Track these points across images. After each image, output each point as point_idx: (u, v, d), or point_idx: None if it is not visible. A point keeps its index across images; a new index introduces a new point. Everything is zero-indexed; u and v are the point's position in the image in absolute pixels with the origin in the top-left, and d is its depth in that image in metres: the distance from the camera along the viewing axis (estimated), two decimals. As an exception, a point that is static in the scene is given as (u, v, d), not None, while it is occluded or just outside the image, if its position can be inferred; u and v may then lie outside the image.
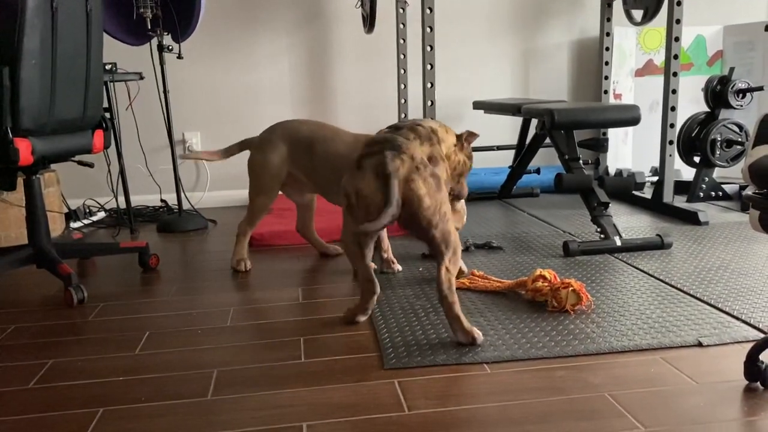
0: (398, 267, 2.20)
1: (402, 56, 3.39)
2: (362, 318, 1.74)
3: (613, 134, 3.64)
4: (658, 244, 2.33)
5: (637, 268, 2.13)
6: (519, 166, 3.29)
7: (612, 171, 3.61)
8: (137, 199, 3.44)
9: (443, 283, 1.54)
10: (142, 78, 3.07)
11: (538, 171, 3.43)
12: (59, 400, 1.37)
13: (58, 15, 1.90)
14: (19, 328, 1.81)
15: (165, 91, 2.98)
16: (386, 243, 2.22)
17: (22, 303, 2.03)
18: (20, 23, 1.79)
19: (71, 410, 1.32)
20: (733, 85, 2.98)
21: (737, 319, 1.66)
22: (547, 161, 3.72)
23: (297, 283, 2.13)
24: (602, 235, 2.37)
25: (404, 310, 1.81)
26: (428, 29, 2.65)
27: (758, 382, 1.32)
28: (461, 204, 2.11)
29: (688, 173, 3.41)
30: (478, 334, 1.56)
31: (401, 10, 3.35)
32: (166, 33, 2.94)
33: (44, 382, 1.46)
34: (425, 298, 1.90)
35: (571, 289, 1.74)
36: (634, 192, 3.22)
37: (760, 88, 3.00)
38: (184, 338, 1.68)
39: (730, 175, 3.42)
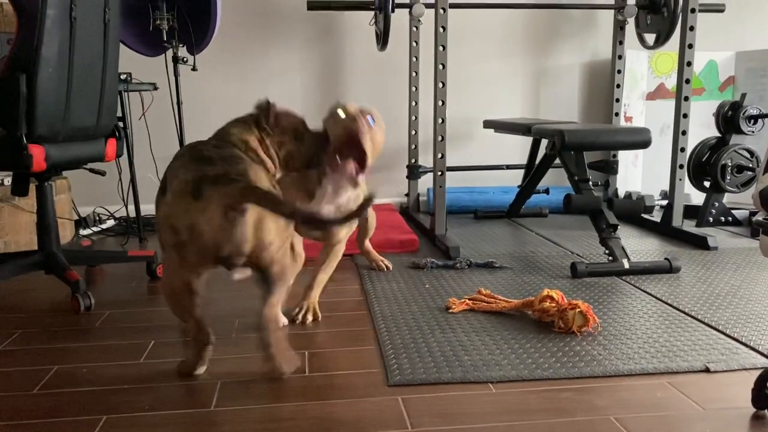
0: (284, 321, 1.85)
1: (414, 74, 3.41)
2: (201, 369, 1.50)
3: (623, 157, 3.63)
4: (667, 268, 2.32)
5: (645, 292, 2.12)
6: (528, 186, 3.29)
7: (621, 193, 3.61)
8: (147, 209, 3.45)
9: (270, 322, 1.41)
10: (156, 89, 3.10)
11: (547, 191, 3.43)
12: (63, 406, 1.37)
13: (77, 25, 1.93)
14: (26, 333, 1.82)
15: (178, 102, 3.01)
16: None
17: (30, 308, 2.04)
18: (39, 32, 1.81)
19: (75, 417, 1.32)
20: (745, 111, 2.98)
21: (745, 345, 1.65)
22: (556, 182, 3.72)
23: (302, 295, 2.12)
24: (610, 258, 2.36)
25: (409, 326, 1.81)
26: (441, 48, 2.66)
27: (766, 410, 1.30)
28: (299, 247, 1.88)
29: (697, 198, 3.40)
30: (290, 364, 1.48)
31: (414, 29, 3.38)
32: (181, 45, 2.97)
33: (49, 387, 1.46)
34: (430, 315, 1.89)
35: (578, 310, 1.73)
36: (643, 215, 3.21)
37: (772, 115, 2.99)
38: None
39: (740, 200, 3.41)
